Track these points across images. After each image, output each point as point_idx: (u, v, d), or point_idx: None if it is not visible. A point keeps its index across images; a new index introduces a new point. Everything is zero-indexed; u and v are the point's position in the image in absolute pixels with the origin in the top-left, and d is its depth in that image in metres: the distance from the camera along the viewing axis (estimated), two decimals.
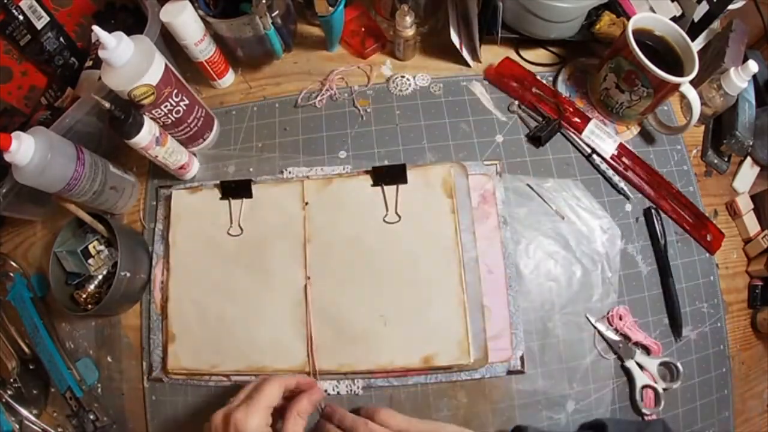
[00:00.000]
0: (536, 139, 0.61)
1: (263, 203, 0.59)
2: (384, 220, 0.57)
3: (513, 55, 0.67)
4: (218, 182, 0.60)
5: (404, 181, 0.58)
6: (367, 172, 0.59)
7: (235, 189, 0.59)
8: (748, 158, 0.65)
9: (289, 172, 0.61)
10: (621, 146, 0.61)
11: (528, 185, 0.60)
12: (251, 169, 0.63)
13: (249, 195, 0.59)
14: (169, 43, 0.60)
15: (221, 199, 0.60)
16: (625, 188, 0.60)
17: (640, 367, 0.54)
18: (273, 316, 0.55)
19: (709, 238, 0.59)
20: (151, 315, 0.58)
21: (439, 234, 0.56)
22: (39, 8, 0.61)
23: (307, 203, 0.58)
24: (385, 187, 0.58)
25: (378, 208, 0.57)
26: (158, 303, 0.58)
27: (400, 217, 0.57)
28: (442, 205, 0.56)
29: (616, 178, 0.60)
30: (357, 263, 0.56)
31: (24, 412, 0.54)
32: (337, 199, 0.58)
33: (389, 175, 0.58)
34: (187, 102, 0.55)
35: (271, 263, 0.57)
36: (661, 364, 0.55)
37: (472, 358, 0.51)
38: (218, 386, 0.55)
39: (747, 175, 0.65)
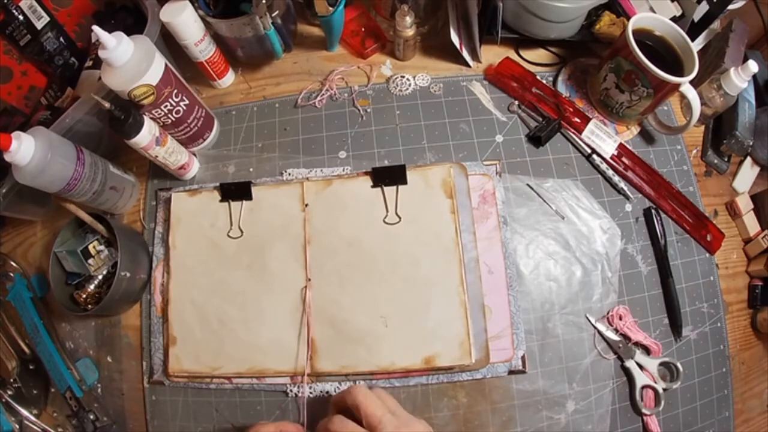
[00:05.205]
0: (536, 139, 0.61)
1: (263, 205, 0.59)
2: (384, 221, 0.57)
3: (513, 55, 0.67)
4: (218, 184, 0.60)
5: (404, 181, 0.57)
6: (366, 173, 0.59)
7: (235, 191, 0.59)
8: (748, 158, 0.65)
9: (289, 174, 0.61)
10: (621, 146, 0.61)
11: (528, 185, 0.60)
12: (251, 170, 0.63)
13: (249, 197, 0.59)
14: (169, 43, 0.60)
15: (221, 201, 0.60)
16: (625, 188, 0.60)
17: (640, 367, 0.54)
18: (274, 318, 0.55)
19: (709, 238, 0.59)
20: (152, 317, 0.58)
21: (439, 234, 0.55)
22: (39, 8, 0.61)
23: (306, 205, 0.58)
24: (385, 188, 0.58)
25: (378, 209, 0.57)
26: (159, 306, 0.58)
27: (400, 217, 0.57)
28: (442, 205, 0.56)
29: (616, 178, 0.60)
30: (357, 264, 0.56)
31: (24, 412, 0.54)
32: (337, 200, 0.58)
33: (389, 176, 0.58)
34: (187, 102, 0.55)
35: (272, 265, 0.56)
36: (661, 364, 0.55)
37: (474, 359, 0.51)
38: (219, 388, 0.55)
39: (747, 175, 0.65)
